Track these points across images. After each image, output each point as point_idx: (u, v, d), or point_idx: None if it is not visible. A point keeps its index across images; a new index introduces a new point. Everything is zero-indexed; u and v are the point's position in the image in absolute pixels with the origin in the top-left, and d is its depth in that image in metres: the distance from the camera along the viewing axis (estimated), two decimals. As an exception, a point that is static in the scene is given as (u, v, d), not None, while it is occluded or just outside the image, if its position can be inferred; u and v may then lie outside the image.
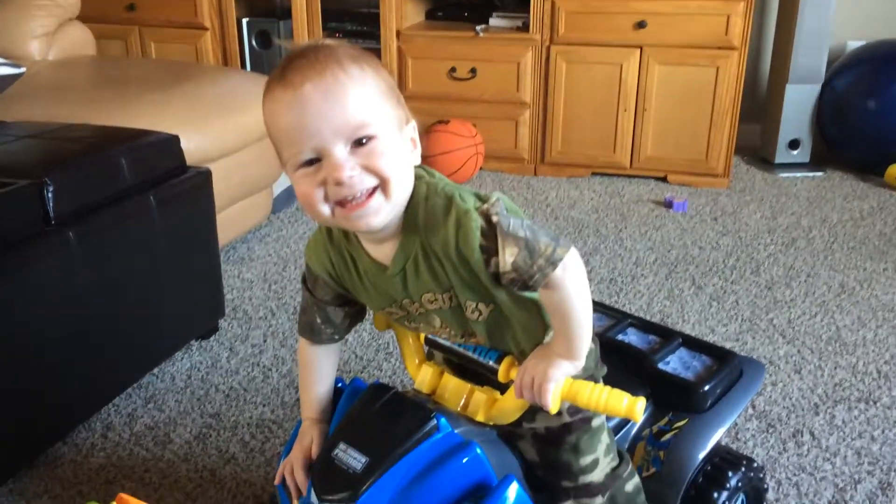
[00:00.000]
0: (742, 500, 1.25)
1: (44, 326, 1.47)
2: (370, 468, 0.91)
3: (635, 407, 0.89)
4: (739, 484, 1.19)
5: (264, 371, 1.84)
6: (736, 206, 2.89)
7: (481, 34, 3.12)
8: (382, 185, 0.80)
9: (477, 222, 0.83)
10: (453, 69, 3.19)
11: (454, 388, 1.04)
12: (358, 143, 0.79)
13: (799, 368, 1.84)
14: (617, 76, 3.03)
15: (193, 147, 1.99)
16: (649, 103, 3.03)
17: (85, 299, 1.54)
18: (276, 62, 3.34)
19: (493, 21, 3.23)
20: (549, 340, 0.94)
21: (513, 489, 0.93)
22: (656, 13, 2.92)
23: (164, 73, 2.56)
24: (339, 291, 0.98)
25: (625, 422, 1.19)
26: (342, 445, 0.94)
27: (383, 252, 0.90)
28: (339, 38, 0.93)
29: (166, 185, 1.75)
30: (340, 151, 0.78)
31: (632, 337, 1.35)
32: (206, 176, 1.86)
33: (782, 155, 3.25)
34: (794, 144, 3.24)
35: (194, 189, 1.84)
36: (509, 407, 1.00)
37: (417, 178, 0.87)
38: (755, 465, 1.23)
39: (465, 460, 0.93)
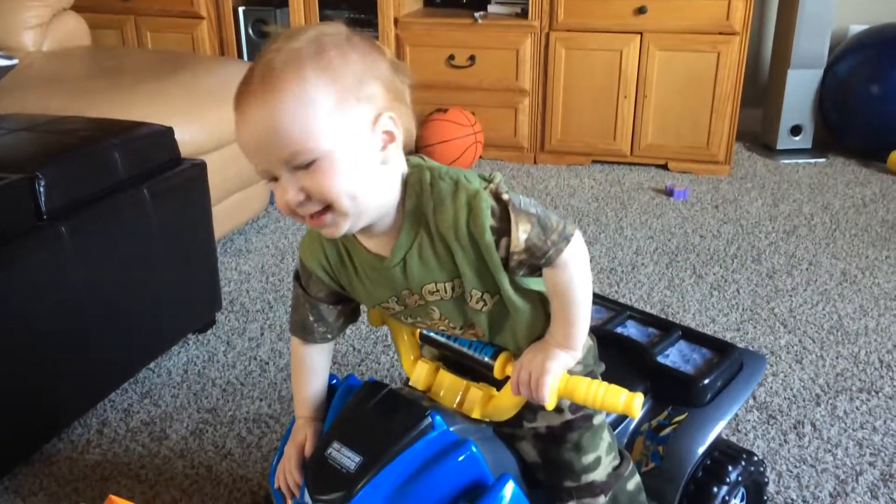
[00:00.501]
0: (742, 494, 1.24)
1: (37, 322, 1.46)
2: (364, 467, 0.90)
3: (633, 403, 0.88)
4: (739, 478, 1.17)
5: (261, 365, 1.83)
6: (737, 193, 2.87)
7: (480, 21, 3.09)
8: (329, 207, 0.79)
9: (487, 202, 0.82)
10: (452, 57, 3.16)
11: (450, 385, 1.03)
12: (302, 166, 0.77)
13: (800, 358, 1.82)
14: (617, 63, 3.01)
15: (188, 139, 1.98)
16: (650, 90, 3.01)
17: (79, 294, 1.53)
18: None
19: (492, 8, 3.20)
20: (546, 335, 0.93)
21: (509, 488, 0.92)
22: (656, -2, 2.89)
23: (159, 64, 2.53)
24: (333, 288, 0.97)
25: (623, 416, 1.17)
26: (336, 444, 0.93)
27: (381, 243, 0.88)
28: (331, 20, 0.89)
29: (161, 177, 1.73)
30: (285, 177, 0.77)
31: (631, 330, 1.33)
32: (201, 168, 1.84)
33: (784, 141, 3.23)
34: (795, 130, 3.21)
35: (189, 181, 1.82)
36: (505, 404, 0.99)
37: (416, 165, 0.86)
38: (755, 458, 1.22)
39: (460, 459, 0.92)
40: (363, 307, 1.02)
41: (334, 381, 1.07)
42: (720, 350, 1.26)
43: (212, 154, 2.07)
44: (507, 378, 0.96)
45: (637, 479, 1.06)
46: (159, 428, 1.61)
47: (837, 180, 2.98)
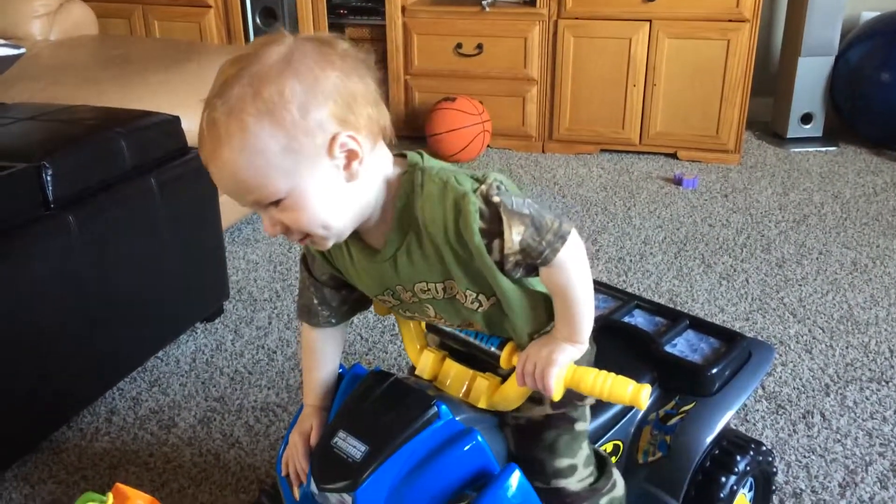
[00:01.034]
0: (751, 484, 1.24)
1: (45, 310, 1.46)
2: (370, 457, 0.89)
3: (640, 394, 0.87)
4: (748, 468, 1.17)
5: (269, 354, 1.83)
6: (747, 182, 2.85)
7: (487, 9, 3.07)
8: (307, 234, 0.81)
9: (475, 204, 0.80)
10: (459, 45, 3.14)
11: (456, 375, 1.02)
12: (271, 204, 0.79)
13: (810, 348, 1.81)
14: (626, 51, 2.98)
15: (196, 128, 1.96)
16: (659, 78, 2.98)
17: (86, 283, 1.53)
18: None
19: (500, -5, 3.18)
20: (550, 329, 0.92)
21: (515, 477, 0.91)
22: (666, -15, 2.87)
23: (166, 53, 2.53)
24: (334, 273, 0.97)
25: (630, 406, 1.16)
26: (341, 433, 0.92)
27: (374, 236, 0.87)
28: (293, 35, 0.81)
29: (168, 166, 1.73)
30: (262, 213, 0.81)
31: (638, 319, 1.32)
32: (207, 157, 1.84)
33: (794, 129, 3.20)
34: (806, 118, 3.18)
35: (197, 171, 1.81)
36: (511, 394, 0.98)
37: (412, 165, 0.84)
38: (764, 448, 1.21)
39: (466, 448, 0.91)
40: (371, 296, 1.02)
41: (341, 370, 1.07)
42: (728, 339, 1.25)
43: (219, 143, 2.06)
44: (514, 368, 0.95)
45: (615, 496, 1.02)
46: (167, 416, 1.62)
47: (848, 169, 2.95)
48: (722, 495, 1.13)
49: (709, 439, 1.14)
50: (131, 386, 1.72)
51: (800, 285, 2.10)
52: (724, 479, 1.14)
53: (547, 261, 0.83)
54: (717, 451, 1.16)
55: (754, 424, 1.55)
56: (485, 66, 3.14)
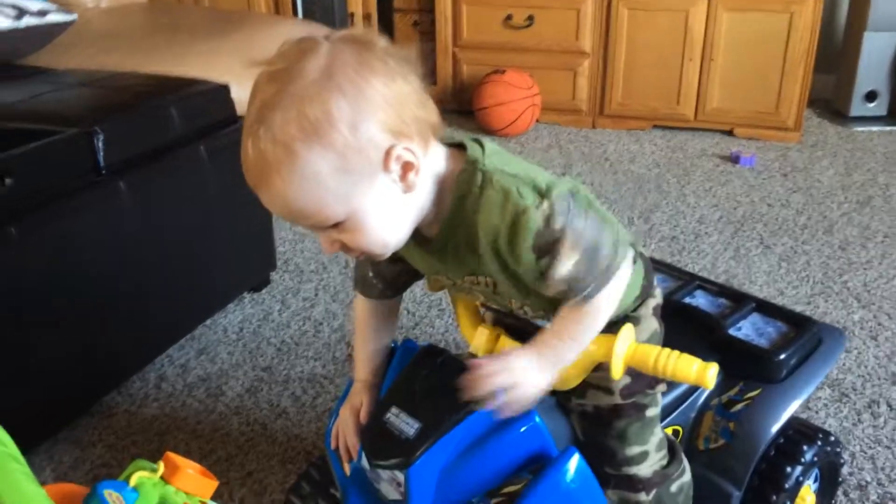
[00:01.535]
0: (816, 475, 1.18)
1: (96, 275, 1.46)
2: (423, 434, 0.87)
3: (706, 373, 0.83)
4: (815, 458, 1.11)
5: (315, 325, 1.81)
6: (807, 161, 2.74)
7: (540, -21, 2.99)
8: (364, 251, 0.79)
9: (535, 223, 0.76)
10: (509, 16, 3.07)
11: (512, 352, 0.99)
12: (330, 227, 0.76)
13: (875, 335, 1.73)
14: (682, 24, 2.88)
15: (244, 97, 1.92)
16: (717, 52, 2.88)
17: (136, 249, 1.53)
18: (328, 12, 3.27)
19: (553, -35, 3.08)
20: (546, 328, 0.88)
21: (574, 461, 0.88)
22: (728, -45, 2.75)
23: (215, 22, 2.51)
24: None
25: (692, 389, 1.12)
26: (394, 409, 0.90)
27: (427, 225, 0.83)
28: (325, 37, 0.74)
29: (217, 135, 1.71)
30: (319, 233, 0.78)
31: (700, 300, 1.26)
32: (256, 126, 1.82)
33: (858, 107, 3.07)
34: (870, 96, 3.05)
35: (245, 139, 1.80)
36: (570, 372, 0.94)
37: (471, 162, 0.79)
38: (832, 438, 1.16)
39: (522, 430, 0.89)
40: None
41: (393, 344, 1.04)
42: (797, 324, 1.19)
43: (267, 112, 2.05)
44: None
45: (684, 481, 1.00)
46: (215, 384, 1.62)
47: (915, 149, 2.83)
48: (787, 486, 1.08)
49: (775, 428, 1.09)
50: (180, 353, 1.72)
51: (864, 269, 2.01)
52: (789, 469, 1.09)
53: (588, 298, 0.81)
54: (782, 441, 1.11)
55: (817, 413, 1.48)
56: (535, 39, 3.07)
